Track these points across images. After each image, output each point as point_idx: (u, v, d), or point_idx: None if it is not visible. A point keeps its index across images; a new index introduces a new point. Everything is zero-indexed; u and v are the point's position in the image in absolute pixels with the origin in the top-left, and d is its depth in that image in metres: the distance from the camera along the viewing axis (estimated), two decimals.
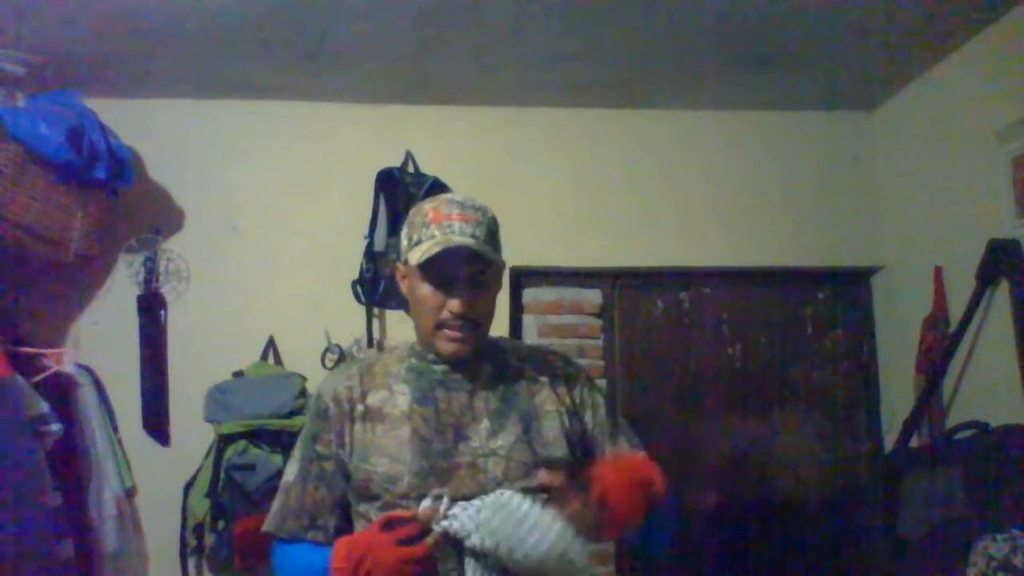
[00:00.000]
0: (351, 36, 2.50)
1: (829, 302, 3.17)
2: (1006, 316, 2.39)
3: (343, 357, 2.82)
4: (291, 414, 2.60)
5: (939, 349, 2.60)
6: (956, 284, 2.61)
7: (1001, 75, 2.45)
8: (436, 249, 1.28)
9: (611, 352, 3.01)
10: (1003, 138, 2.42)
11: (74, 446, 2.57)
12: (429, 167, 2.94)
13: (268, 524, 1.42)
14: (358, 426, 1.36)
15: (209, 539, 2.54)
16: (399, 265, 1.40)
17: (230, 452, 2.56)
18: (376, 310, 2.88)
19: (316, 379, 2.73)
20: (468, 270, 1.31)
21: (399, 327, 2.90)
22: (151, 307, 2.82)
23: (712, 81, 2.88)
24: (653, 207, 3.06)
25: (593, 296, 3.07)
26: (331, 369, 2.82)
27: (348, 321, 2.84)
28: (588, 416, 1.43)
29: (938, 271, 2.69)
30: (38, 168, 2.42)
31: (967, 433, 2.35)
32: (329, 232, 2.92)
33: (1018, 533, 1.98)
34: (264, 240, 2.91)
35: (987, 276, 2.43)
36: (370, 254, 2.85)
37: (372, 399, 1.38)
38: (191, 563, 2.64)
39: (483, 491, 1.28)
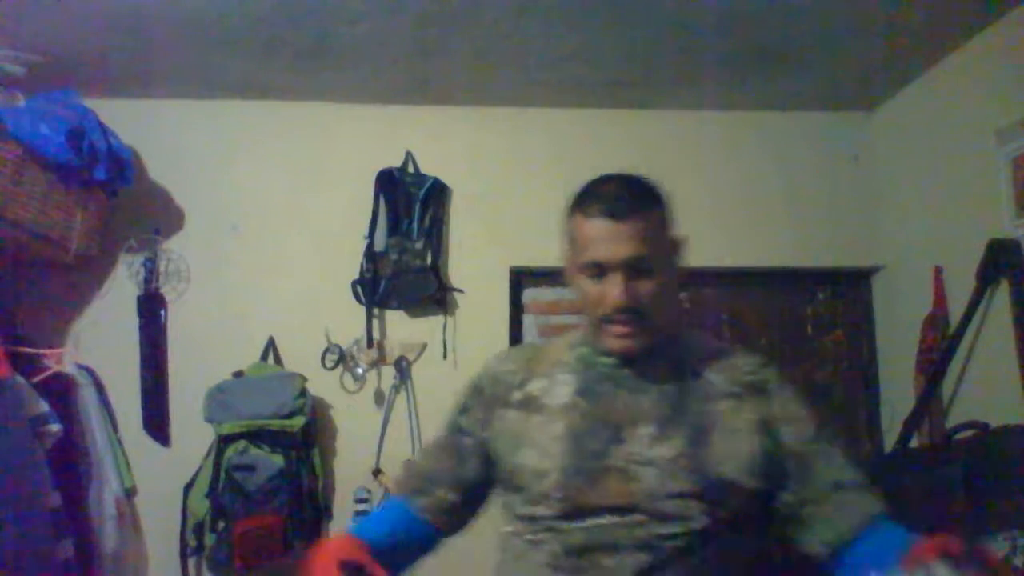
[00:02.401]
0: (351, 36, 2.50)
1: (829, 302, 3.17)
2: (1006, 316, 2.38)
3: (343, 357, 2.82)
4: (291, 414, 2.60)
5: (939, 349, 2.59)
6: (956, 284, 2.60)
7: (1001, 75, 2.45)
8: (588, 259, 1.21)
9: None
10: (1003, 138, 2.42)
11: (74, 446, 2.57)
12: (429, 167, 2.95)
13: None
14: (512, 413, 1.29)
15: (209, 539, 2.54)
16: (564, 251, 1.31)
17: (230, 452, 2.56)
18: (376, 310, 2.88)
19: (316, 379, 2.74)
20: (627, 260, 1.19)
21: (399, 327, 2.90)
22: (151, 307, 2.82)
23: (712, 81, 2.88)
24: None
25: None
26: (331, 369, 2.82)
27: (348, 321, 2.84)
28: (786, 431, 1.24)
29: (938, 271, 2.69)
30: (38, 168, 2.42)
31: (967, 433, 2.35)
32: (329, 232, 2.92)
33: (1018, 533, 1.98)
34: (264, 240, 2.91)
35: (987, 276, 2.42)
36: (370, 254, 2.85)
37: (532, 387, 1.30)
38: (191, 563, 2.64)
39: (632, 502, 1.18)
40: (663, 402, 1.24)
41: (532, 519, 1.24)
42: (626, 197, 1.22)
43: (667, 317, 1.27)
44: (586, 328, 1.31)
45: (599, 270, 1.20)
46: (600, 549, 1.18)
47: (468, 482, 1.34)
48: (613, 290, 1.19)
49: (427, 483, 1.34)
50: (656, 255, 1.22)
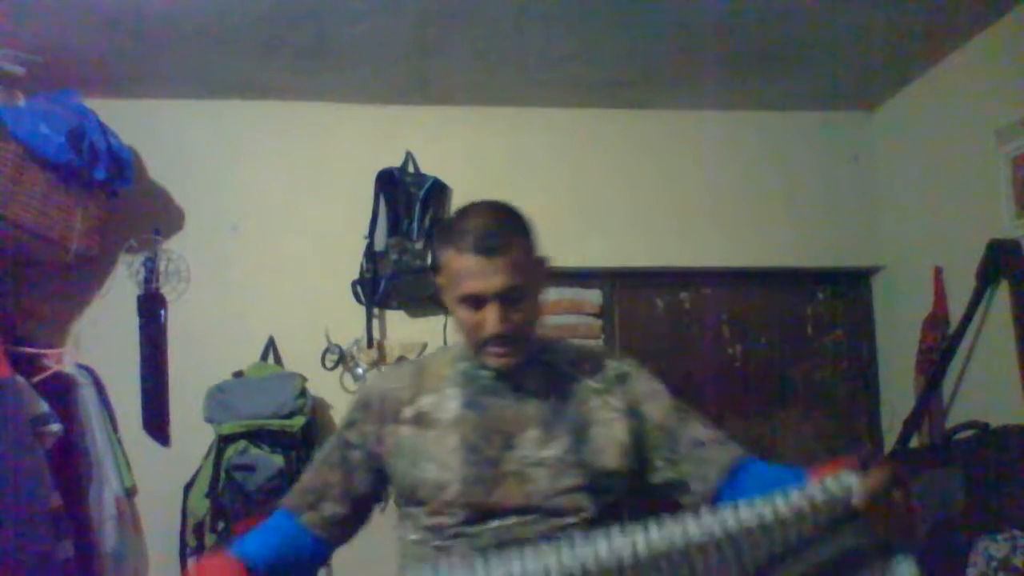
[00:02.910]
0: (351, 36, 2.50)
1: (829, 302, 3.17)
2: (1006, 316, 2.39)
3: (343, 357, 2.82)
4: (291, 414, 2.60)
5: (939, 349, 2.60)
6: (956, 284, 2.61)
7: (1001, 75, 2.45)
8: (465, 292, 1.29)
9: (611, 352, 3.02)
10: (1003, 138, 2.42)
11: (74, 446, 2.57)
12: (429, 167, 2.94)
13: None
14: (406, 429, 1.35)
15: (209, 539, 2.53)
16: (439, 279, 1.38)
17: (230, 452, 2.56)
18: (376, 310, 2.88)
19: (316, 379, 2.74)
20: (500, 292, 1.28)
21: (399, 327, 2.90)
22: (151, 307, 2.82)
23: (712, 81, 2.88)
24: (653, 207, 3.06)
25: (593, 296, 3.07)
26: (331, 369, 2.82)
27: (348, 321, 2.84)
28: (649, 408, 1.37)
29: (938, 271, 2.69)
30: (38, 168, 2.42)
31: (967, 433, 2.35)
32: (329, 232, 2.92)
33: (1018, 533, 1.99)
34: (264, 240, 2.91)
35: (987, 276, 2.43)
36: (370, 254, 2.85)
37: (423, 403, 1.36)
38: (191, 563, 2.64)
39: (529, 503, 1.27)
40: (544, 407, 1.34)
41: (439, 528, 1.30)
42: (495, 232, 1.28)
43: (536, 332, 1.38)
44: (464, 344, 1.39)
45: (475, 301, 1.28)
46: (508, 546, 1.24)
47: (356, 495, 1.39)
48: (490, 318, 1.27)
49: (316, 498, 1.39)
50: (526, 282, 1.29)
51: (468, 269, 1.27)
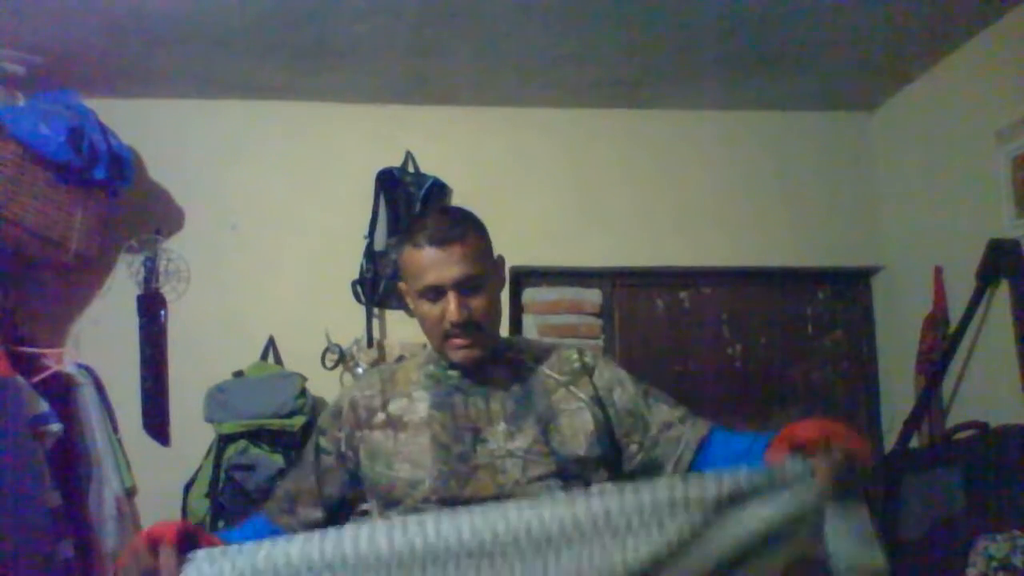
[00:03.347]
0: (351, 36, 2.50)
1: (829, 302, 3.17)
2: (1006, 316, 2.39)
3: (343, 357, 2.82)
4: (291, 414, 2.60)
5: (939, 349, 2.60)
6: (956, 284, 2.61)
7: (1001, 75, 2.45)
8: (424, 284, 1.34)
9: (611, 352, 3.01)
10: (1003, 138, 2.42)
11: (74, 446, 2.57)
12: (429, 167, 2.94)
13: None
14: (378, 434, 1.39)
15: None
16: (401, 284, 1.43)
17: (230, 452, 2.56)
18: (376, 310, 2.88)
19: (316, 379, 2.74)
20: (458, 280, 1.33)
21: (399, 327, 2.90)
22: (151, 307, 2.82)
23: (712, 81, 2.88)
24: (653, 207, 3.06)
25: (593, 296, 3.07)
26: (331, 369, 2.82)
27: (348, 321, 2.84)
28: (615, 396, 1.42)
29: (938, 271, 2.69)
30: (38, 168, 2.42)
31: (967, 433, 2.35)
32: (329, 232, 2.92)
33: (1018, 533, 1.98)
34: (264, 240, 2.91)
35: (987, 276, 2.43)
36: (370, 254, 2.86)
37: (393, 407, 1.41)
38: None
39: (502, 492, 1.31)
40: (510, 401, 1.39)
41: None
42: (447, 226, 1.35)
43: (497, 326, 1.43)
44: (431, 349, 1.44)
45: (435, 293, 1.34)
46: None
47: (330, 499, 1.44)
48: (450, 307, 1.33)
49: (291, 503, 1.44)
50: (482, 273, 1.35)
51: (425, 262, 1.33)
